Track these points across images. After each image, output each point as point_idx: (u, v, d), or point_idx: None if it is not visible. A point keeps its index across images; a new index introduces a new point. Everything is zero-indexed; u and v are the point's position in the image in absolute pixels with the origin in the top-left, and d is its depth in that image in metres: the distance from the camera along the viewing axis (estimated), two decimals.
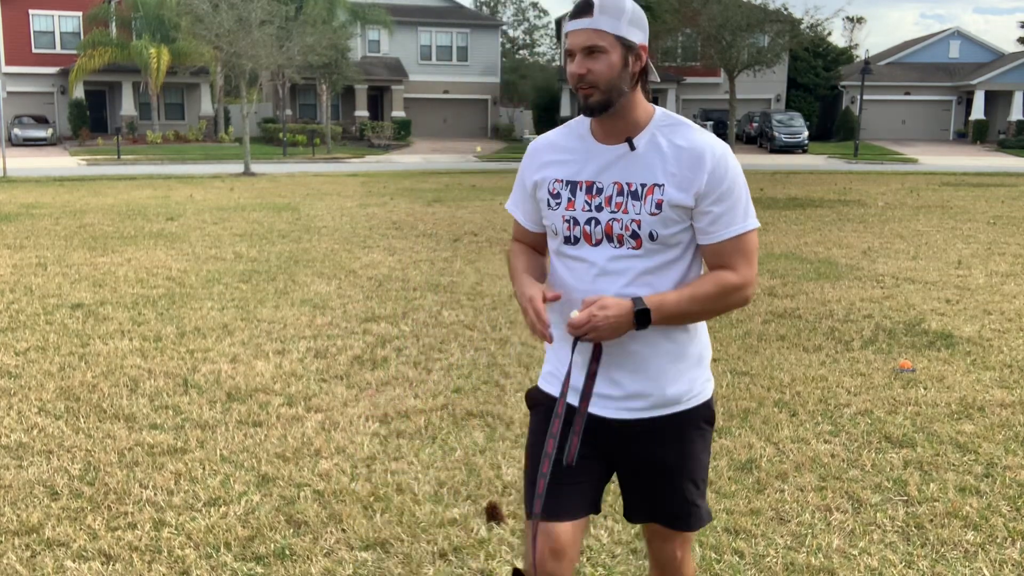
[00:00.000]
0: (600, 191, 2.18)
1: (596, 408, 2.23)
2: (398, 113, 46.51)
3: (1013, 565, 3.32)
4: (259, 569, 3.28)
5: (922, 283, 8.91)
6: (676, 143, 2.16)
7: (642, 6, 2.25)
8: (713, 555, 3.37)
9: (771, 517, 3.69)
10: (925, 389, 5.38)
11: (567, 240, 2.22)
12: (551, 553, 2.19)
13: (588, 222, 2.19)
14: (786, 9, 31.77)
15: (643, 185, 2.14)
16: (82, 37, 41.30)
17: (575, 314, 2.10)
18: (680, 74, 47.07)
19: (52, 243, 11.37)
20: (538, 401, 2.35)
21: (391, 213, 15.61)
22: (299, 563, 3.31)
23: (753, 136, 46.10)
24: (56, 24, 42.50)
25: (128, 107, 42.28)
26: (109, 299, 7.88)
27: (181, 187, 21.35)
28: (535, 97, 50.25)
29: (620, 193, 2.16)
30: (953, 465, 4.23)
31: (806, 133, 42.75)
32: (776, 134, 42.38)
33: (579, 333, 2.10)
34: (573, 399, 2.23)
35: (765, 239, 12.33)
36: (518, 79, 53.54)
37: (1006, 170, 31.83)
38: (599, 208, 2.17)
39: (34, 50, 42.18)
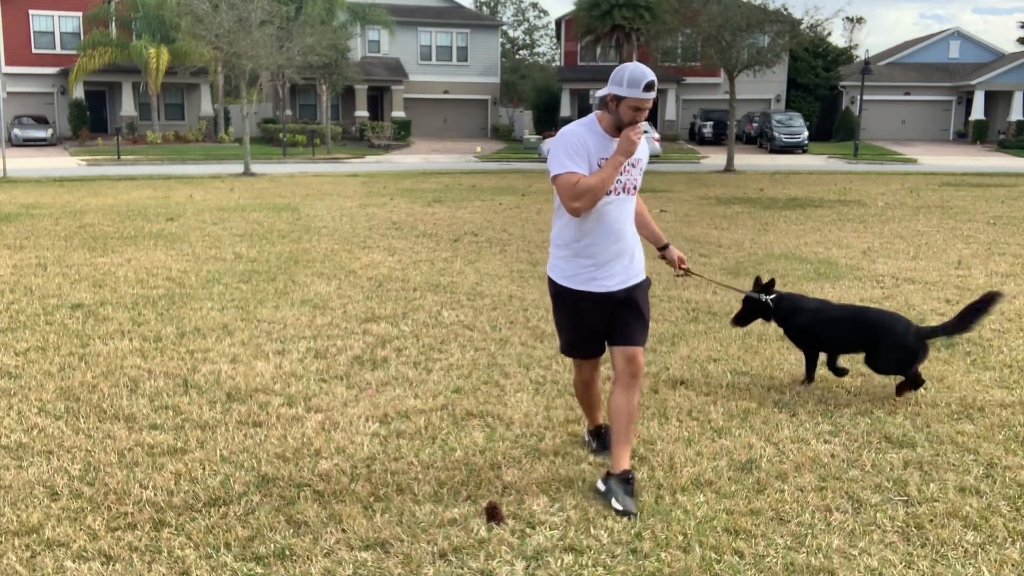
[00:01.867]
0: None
1: (608, 288, 3.93)
2: (398, 113, 46.52)
3: (1013, 565, 3.32)
4: (259, 569, 3.28)
5: (922, 283, 8.91)
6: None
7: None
8: (713, 555, 3.37)
9: (771, 517, 3.69)
10: (925, 389, 5.37)
11: (606, 193, 3.85)
12: (590, 372, 4.21)
13: (617, 181, 3.88)
14: (786, 9, 31.64)
15: (635, 159, 3.92)
16: (82, 37, 41.30)
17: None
18: (680, 74, 47.05)
19: (52, 243, 11.38)
20: (562, 293, 4.00)
21: (391, 213, 15.61)
22: (299, 563, 3.31)
23: (753, 136, 46.06)
24: (56, 24, 42.51)
25: (128, 107, 42.29)
26: (109, 299, 7.88)
27: (181, 187, 21.36)
28: (535, 97, 50.29)
29: (628, 164, 3.90)
30: (953, 465, 4.24)
31: (806, 133, 42.73)
32: (776, 134, 42.37)
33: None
34: (597, 286, 3.92)
35: (765, 239, 12.33)
36: (518, 79, 53.55)
37: (1006, 170, 31.83)
38: (621, 173, 3.88)
39: (34, 50, 42.19)
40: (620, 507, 3.73)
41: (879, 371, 5.28)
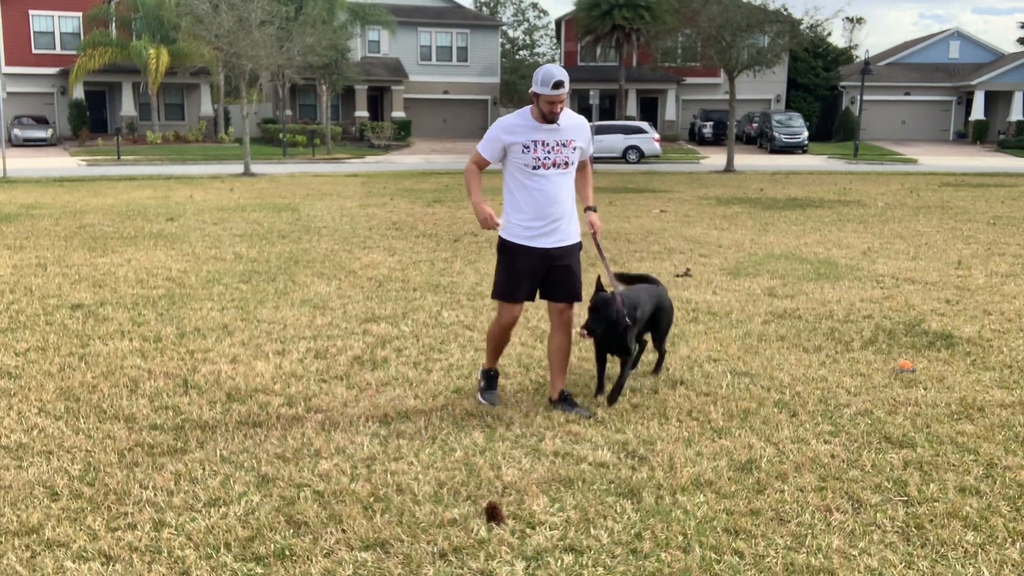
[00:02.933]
0: (547, 144, 4.72)
1: (545, 244, 4.77)
2: (398, 113, 46.50)
3: (1013, 565, 3.32)
4: (259, 569, 3.28)
5: (922, 283, 8.91)
6: (571, 120, 4.80)
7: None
8: (713, 555, 3.37)
9: (771, 517, 3.69)
10: (925, 389, 5.38)
11: (534, 168, 4.73)
12: (513, 316, 4.94)
13: (545, 158, 4.73)
14: (786, 9, 31.64)
15: (566, 140, 4.75)
16: (82, 37, 41.30)
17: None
18: (680, 74, 47.05)
19: (52, 243, 11.37)
20: (507, 246, 4.83)
21: (391, 213, 15.61)
22: (299, 563, 3.31)
23: (753, 136, 46.04)
24: (56, 24, 42.51)
25: (128, 107, 42.28)
26: (109, 299, 7.88)
27: (181, 187, 21.36)
28: None
29: (557, 144, 4.74)
30: (953, 465, 4.24)
31: (806, 133, 42.72)
32: (776, 134, 42.36)
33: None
34: (537, 243, 4.78)
35: (765, 239, 12.33)
36: (518, 79, 53.60)
37: (1006, 170, 31.83)
38: (549, 152, 4.73)
39: (34, 50, 42.19)
40: (585, 414, 4.84)
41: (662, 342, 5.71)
